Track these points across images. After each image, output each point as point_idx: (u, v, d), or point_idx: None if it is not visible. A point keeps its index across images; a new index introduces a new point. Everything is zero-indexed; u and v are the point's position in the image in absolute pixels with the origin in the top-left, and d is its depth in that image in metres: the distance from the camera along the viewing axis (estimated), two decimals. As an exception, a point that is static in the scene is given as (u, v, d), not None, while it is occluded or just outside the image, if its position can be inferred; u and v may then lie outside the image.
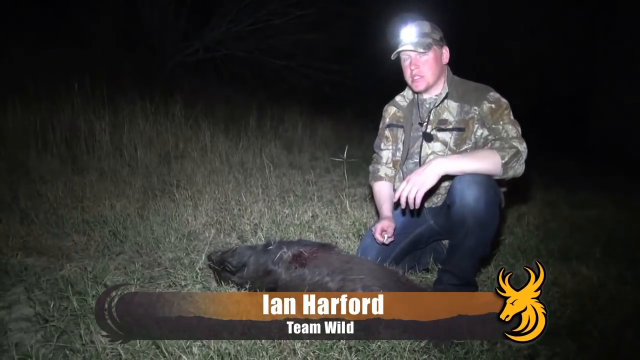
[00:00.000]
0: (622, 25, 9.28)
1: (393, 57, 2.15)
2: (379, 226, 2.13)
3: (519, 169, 1.89)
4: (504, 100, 2.03)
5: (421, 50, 2.06)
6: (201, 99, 5.74)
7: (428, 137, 2.14)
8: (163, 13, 7.41)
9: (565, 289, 2.12)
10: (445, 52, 2.14)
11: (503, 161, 1.85)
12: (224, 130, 4.88)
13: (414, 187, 1.82)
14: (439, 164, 1.85)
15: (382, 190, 2.33)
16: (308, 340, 1.54)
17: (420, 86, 2.13)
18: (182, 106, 4.75)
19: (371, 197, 2.44)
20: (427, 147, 2.14)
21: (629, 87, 8.93)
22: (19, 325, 1.66)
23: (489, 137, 2.00)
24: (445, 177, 1.91)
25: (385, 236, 2.10)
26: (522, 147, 1.90)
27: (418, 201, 1.83)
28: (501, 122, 1.97)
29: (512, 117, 2.00)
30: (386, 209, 2.25)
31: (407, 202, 1.84)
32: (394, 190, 2.30)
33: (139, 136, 4.13)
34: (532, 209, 3.69)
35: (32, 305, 1.76)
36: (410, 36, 2.08)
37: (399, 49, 2.10)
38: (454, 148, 2.07)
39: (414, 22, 2.11)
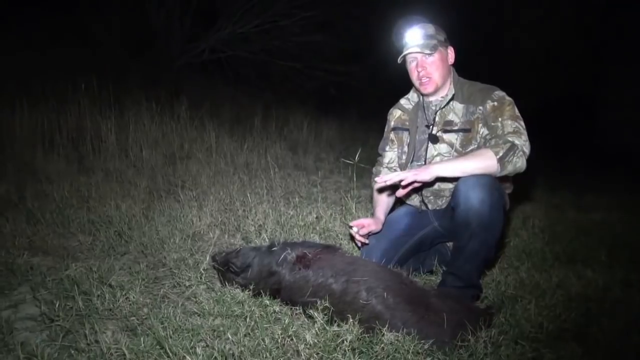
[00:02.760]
0: (629, 26, 9.23)
1: (399, 60, 2.14)
2: (360, 220, 2.15)
3: (518, 163, 1.87)
4: (508, 97, 2.02)
5: (428, 52, 2.05)
6: (207, 99, 5.76)
7: (434, 139, 2.13)
8: (169, 14, 7.44)
9: (570, 292, 2.11)
10: (451, 53, 2.14)
11: (497, 157, 1.83)
12: (229, 131, 4.90)
13: (409, 175, 1.84)
14: (434, 164, 1.89)
15: (381, 194, 2.33)
16: (311, 342, 1.54)
17: (428, 88, 2.12)
18: (187, 107, 4.76)
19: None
20: (433, 149, 2.14)
21: (635, 88, 8.88)
22: (24, 325, 1.67)
23: (487, 136, 2.00)
24: (448, 180, 1.90)
25: (357, 229, 2.12)
26: (520, 140, 1.89)
27: (409, 181, 1.83)
28: (500, 119, 1.97)
29: (515, 113, 1.98)
30: (379, 211, 2.27)
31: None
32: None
33: (145, 137, 4.15)
34: (537, 212, 3.68)
35: (38, 304, 1.77)
36: (415, 38, 2.08)
37: (405, 52, 2.09)
38: (460, 149, 2.07)
39: (418, 24, 2.11)
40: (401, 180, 1.85)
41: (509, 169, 1.86)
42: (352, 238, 2.24)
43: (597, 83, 10.29)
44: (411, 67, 2.15)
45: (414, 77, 2.16)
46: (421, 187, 1.90)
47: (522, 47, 11.17)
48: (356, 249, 2.48)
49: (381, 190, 2.31)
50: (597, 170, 6.85)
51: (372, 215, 2.30)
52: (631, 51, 9.17)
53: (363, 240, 2.15)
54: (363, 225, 2.14)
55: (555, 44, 10.81)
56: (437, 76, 2.10)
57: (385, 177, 1.89)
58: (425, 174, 1.84)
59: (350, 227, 2.16)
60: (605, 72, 10.11)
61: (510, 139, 1.88)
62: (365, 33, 8.32)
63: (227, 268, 1.95)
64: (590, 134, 9.63)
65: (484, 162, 1.84)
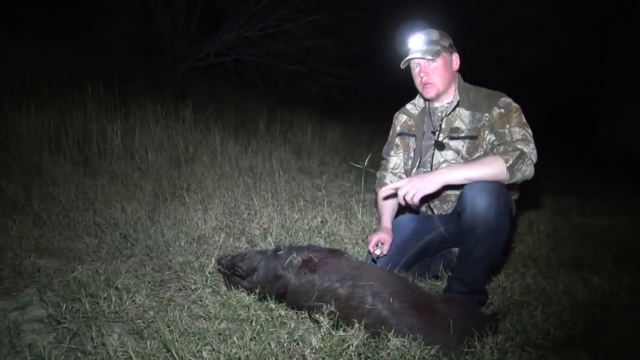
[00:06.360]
0: (634, 33, 9.21)
1: (403, 65, 2.15)
2: (375, 237, 2.12)
3: (527, 171, 1.87)
4: (514, 104, 2.02)
5: (429, 58, 2.06)
6: (212, 103, 5.77)
7: (440, 146, 2.13)
8: (175, 17, 7.48)
9: (576, 298, 2.10)
10: (455, 59, 2.15)
11: (507, 165, 1.83)
12: (234, 134, 4.91)
13: (412, 189, 1.82)
14: (442, 172, 1.85)
15: (386, 200, 2.32)
16: (317, 346, 1.54)
17: (430, 93, 2.13)
18: (192, 110, 4.78)
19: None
20: (440, 156, 2.14)
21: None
22: (31, 327, 1.68)
23: (495, 142, 1.99)
24: (454, 185, 1.90)
25: (379, 251, 2.10)
26: (528, 148, 1.88)
27: (416, 201, 1.83)
28: (507, 126, 1.96)
29: (522, 120, 1.98)
30: (386, 219, 2.24)
31: (405, 201, 1.86)
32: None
33: (150, 140, 4.16)
34: (542, 217, 3.67)
35: (45, 306, 1.78)
36: (418, 44, 2.09)
37: (408, 57, 2.10)
38: (467, 156, 2.07)
39: (423, 30, 2.12)
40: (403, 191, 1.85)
41: (518, 177, 1.86)
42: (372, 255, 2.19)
43: (603, 89, 10.26)
44: (415, 72, 2.16)
45: (417, 82, 2.17)
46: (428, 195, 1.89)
47: (529, 53, 11.16)
48: (361, 253, 2.48)
49: (387, 196, 2.31)
50: (602, 176, 6.83)
51: (378, 222, 2.29)
52: (636, 57, 9.15)
53: (386, 252, 2.13)
54: (382, 242, 2.11)
55: (560, 49, 10.79)
56: (439, 82, 2.11)
57: (392, 186, 1.89)
58: (432, 184, 1.82)
59: (373, 253, 2.11)
60: (611, 78, 10.09)
61: (519, 146, 1.87)
62: (370, 37, 8.34)
63: (233, 271, 1.95)
64: (596, 140, 9.61)
65: (493, 170, 1.84)
